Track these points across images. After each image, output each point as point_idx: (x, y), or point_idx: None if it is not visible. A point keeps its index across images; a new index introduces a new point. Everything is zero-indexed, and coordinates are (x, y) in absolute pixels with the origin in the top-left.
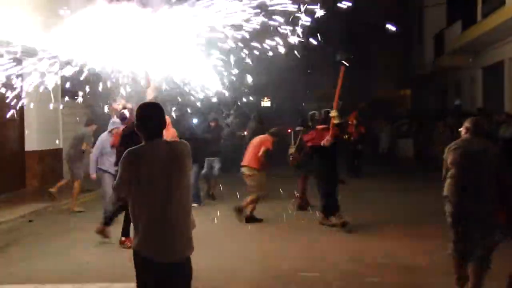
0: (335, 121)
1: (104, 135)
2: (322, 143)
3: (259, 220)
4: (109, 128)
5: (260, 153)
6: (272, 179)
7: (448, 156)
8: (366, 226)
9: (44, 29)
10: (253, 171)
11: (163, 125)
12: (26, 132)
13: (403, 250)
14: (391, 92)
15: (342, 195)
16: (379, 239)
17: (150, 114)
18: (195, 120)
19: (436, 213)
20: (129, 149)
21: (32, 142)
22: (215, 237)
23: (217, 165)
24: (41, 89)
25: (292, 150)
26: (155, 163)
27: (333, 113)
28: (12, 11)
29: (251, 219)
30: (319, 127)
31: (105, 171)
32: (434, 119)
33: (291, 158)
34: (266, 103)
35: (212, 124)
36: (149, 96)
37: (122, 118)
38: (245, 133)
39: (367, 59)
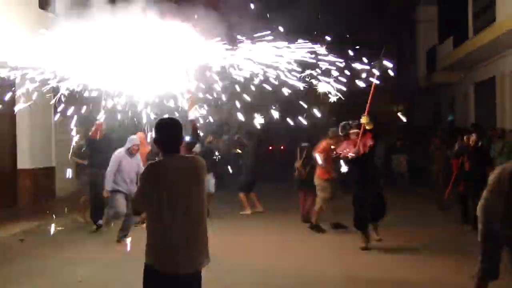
0: (368, 126)
1: (121, 153)
2: (354, 153)
3: (323, 231)
4: (128, 146)
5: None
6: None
7: (496, 179)
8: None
9: (34, 48)
10: (318, 181)
11: (181, 140)
12: (19, 149)
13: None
14: (385, 107)
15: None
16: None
17: (170, 129)
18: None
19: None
20: (150, 163)
21: (25, 160)
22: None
23: (211, 181)
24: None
25: (298, 164)
26: (175, 177)
27: (364, 119)
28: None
29: (315, 227)
30: (353, 136)
31: (119, 191)
32: (428, 135)
33: (296, 173)
34: (259, 120)
35: (207, 140)
36: (191, 116)
37: None
38: (239, 150)
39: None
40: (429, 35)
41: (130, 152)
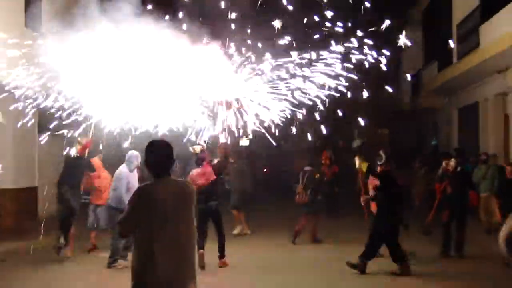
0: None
1: (126, 170)
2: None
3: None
4: (134, 162)
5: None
6: None
7: None
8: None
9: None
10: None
11: (172, 163)
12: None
13: None
14: (369, 131)
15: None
16: None
17: (160, 151)
18: None
19: None
20: (139, 186)
21: (7, 180)
22: None
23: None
24: (19, 124)
25: (299, 189)
26: (165, 201)
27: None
28: None
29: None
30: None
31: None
32: (410, 159)
33: (297, 197)
34: (244, 142)
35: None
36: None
37: (201, 158)
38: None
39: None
40: (413, 60)
41: (132, 169)
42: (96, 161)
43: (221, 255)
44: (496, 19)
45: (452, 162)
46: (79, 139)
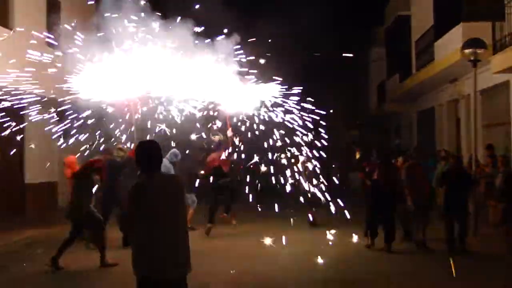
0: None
1: (169, 164)
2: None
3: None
4: (175, 159)
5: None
6: None
7: None
8: None
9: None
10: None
11: (161, 160)
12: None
13: None
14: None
15: None
16: None
17: (150, 150)
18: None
19: None
20: (136, 182)
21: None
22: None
23: (189, 200)
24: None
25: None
26: (155, 196)
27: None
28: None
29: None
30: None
31: None
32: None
33: None
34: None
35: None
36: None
37: (218, 145)
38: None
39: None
40: (379, 72)
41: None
42: (70, 159)
43: (226, 212)
44: (448, 36)
45: (400, 158)
46: (120, 146)
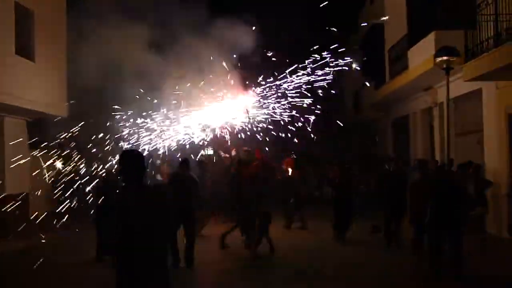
0: None
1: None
2: None
3: None
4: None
5: None
6: None
7: None
8: None
9: None
10: None
11: (144, 171)
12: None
13: None
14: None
15: None
16: None
17: (133, 160)
18: None
19: None
20: (117, 197)
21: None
22: None
23: None
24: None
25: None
26: (138, 209)
27: None
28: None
29: None
30: None
31: None
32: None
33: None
34: (209, 151)
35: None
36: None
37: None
38: None
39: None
40: (354, 80)
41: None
42: (164, 168)
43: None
44: (421, 44)
45: (336, 168)
46: (160, 166)
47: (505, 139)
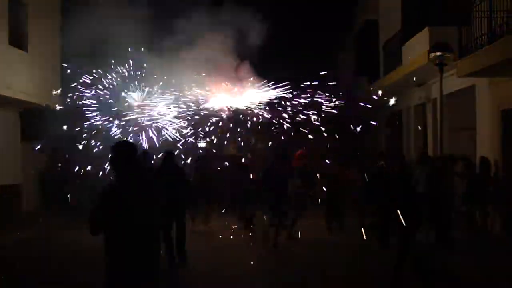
0: None
1: None
2: None
3: None
4: None
5: None
6: None
7: None
8: None
9: None
10: None
11: (134, 161)
12: None
13: None
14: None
15: None
16: None
17: (125, 151)
18: None
19: None
20: (107, 185)
21: None
22: None
23: None
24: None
25: None
26: (129, 197)
27: None
28: None
29: None
30: None
31: None
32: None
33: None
34: (202, 144)
35: None
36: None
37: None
38: None
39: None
40: (348, 76)
41: None
42: None
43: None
44: (415, 40)
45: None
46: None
47: (498, 135)
